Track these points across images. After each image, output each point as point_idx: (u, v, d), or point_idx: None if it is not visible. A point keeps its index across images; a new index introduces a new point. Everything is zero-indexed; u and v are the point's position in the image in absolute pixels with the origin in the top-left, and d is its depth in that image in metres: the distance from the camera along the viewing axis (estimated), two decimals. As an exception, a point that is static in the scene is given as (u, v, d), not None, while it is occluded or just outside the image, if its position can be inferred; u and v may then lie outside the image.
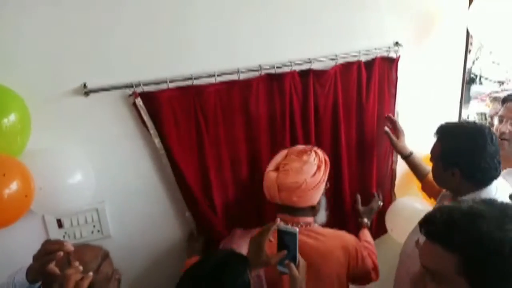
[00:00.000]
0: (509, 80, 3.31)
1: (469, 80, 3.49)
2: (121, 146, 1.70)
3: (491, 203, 0.93)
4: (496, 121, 2.03)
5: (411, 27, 2.00)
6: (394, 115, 2.06)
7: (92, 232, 1.73)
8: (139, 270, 1.81)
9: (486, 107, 3.09)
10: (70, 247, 1.08)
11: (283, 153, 1.72)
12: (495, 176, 1.51)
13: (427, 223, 0.93)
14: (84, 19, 1.50)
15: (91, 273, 1.04)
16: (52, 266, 1.07)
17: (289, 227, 1.38)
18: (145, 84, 1.60)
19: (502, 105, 2.01)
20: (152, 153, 1.73)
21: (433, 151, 1.63)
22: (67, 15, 1.48)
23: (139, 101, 1.60)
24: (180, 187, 1.77)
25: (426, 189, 1.95)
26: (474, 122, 1.68)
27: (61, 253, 1.08)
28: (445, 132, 1.59)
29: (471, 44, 2.60)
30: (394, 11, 1.94)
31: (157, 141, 1.68)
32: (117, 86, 1.58)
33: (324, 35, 1.85)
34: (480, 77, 4.07)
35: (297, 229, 1.35)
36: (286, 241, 1.35)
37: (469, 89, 3.80)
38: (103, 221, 1.74)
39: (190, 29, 1.64)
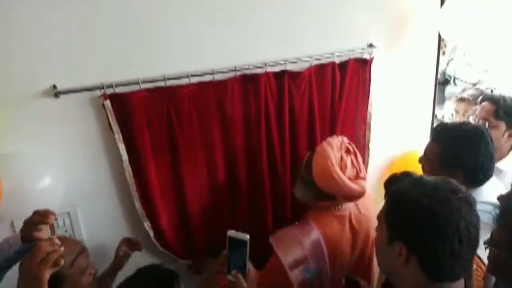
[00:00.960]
0: (482, 81, 3.39)
1: (443, 81, 3.55)
2: (93, 149, 1.67)
3: (446, 182, 1.06)
4: (471, 120, 2.06)
5: (384, 29, 2.02)
6: (367, 116, 2.08)
7: (64, 236, 1.70)
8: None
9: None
10: (52, 220, 1.11)
11: (329, 158, 1.58)
12: (491, 175, 1.56)
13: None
14: (54, 19, 1.46)
15: (62, 248, 1.06)
16: (37, 234, 1.10)
17: (239, 234, 1.27)
18: (117, 85, 1.57)
19: (480, 103, 2.05)
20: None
21: (429, 153, 1.62)
22: (37, 15, 1.44)
23: (107, 103, 1.57)
24: (142, 195, 1.73)
25: None
26: (470, 123, 1.69)
27: (42, 226, 1.10)
28: (446, 134, 1.59)
29: (445, 45, 2.64)
30: (368, 12, 1.96)
31: (120, 146, 1.64)
32: (88, 87, 1.55)
33: (299, 36, 1.85)
34: (455, 78, 4.16)
35: (248, 236, 1.26)
36: (237, 248, 1.26)
37: (443, 90, 3.86)
38: (75, 225, 1.70)
39: (163, 29, 1.62)
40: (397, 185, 1.09)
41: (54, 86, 1.52)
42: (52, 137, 1.59)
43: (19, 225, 1.57)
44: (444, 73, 3.94)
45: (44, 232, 1.11)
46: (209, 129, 1.77)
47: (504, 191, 1.52)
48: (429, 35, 2.18)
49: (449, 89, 4.08)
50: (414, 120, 2.29)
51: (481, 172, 1.53)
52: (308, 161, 1.66)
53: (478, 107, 2.05)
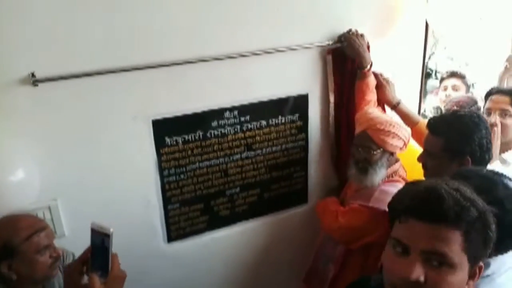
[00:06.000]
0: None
1: (425, 75, 3.56)
2: (74, 138, 1.60)
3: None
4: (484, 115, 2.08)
5: (372, 19, 2.01)
6: None
7: (44, 232, 1.62)
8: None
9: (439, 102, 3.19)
10: None
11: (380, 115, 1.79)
12: (492, 154, 1.60)
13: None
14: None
15: None
16: None
17: (103, 226, 1.11)
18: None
19: (486, 99, 2.10)
20: (113, 140, 1.67)
21: (432, 148, 1.60)
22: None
23: (329, 57, 1.92)
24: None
25: (417, 137, 1.93)
26: (460, 110, 1.73)
27: None
28: (445, 125, 1.58)
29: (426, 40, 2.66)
30: (357, 2, 1.94)
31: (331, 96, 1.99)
32: (71, 75, 1.49)
33: (283, 24, 1.82)
34: (436, 71, 4.22)
35: (112, 230, 1.11)
36: (100, 242, 1.10)
37: (425, 84, 3.89)
38: (56, 219, 1.63)
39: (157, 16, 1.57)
40: None
41: (33, 74, 1.44)
42: (30, 127, 1.52)
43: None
44: (426, 67, 3.98)
45: None
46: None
47: None
48: (416, 26, 2.18)
49: (431, 83, 4.13)
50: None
51: (487, 152, 1.54)
52: (370, 144, 1.73)
53: (486, 102, 2.09)
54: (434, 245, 0.85)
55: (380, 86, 2.00)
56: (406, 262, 0.86)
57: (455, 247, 0.85)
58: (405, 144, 1.78)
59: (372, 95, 1.96)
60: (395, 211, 0.94)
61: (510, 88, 2.08)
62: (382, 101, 2.03)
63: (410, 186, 0.98)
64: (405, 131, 1.77)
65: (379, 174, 1.75)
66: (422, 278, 0.84)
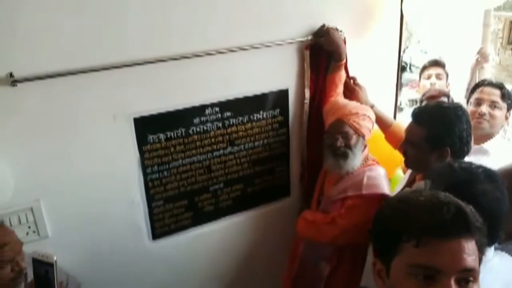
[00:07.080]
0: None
1: (400, 68, 3.64)
2: (56, 139, 1.59)
3: None
4: (471, 105, 2.17)
5: (348, 14, 2.04)
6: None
7: (27, 234, 1.60)
8: (80, 271, 1.71)
9: (416, 94, 3.25)
10: None
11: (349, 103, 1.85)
12: (471, 146, 1.63)
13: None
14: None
15: None
16: None
17: (45, 255, 1.12)
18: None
19: (474, 90, 2.18)
20: (94, 140, 1.66)
21: (414, 137, 1.63)
22: None
23: (307, 53, 1.94)
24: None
25: (391, 138, 2.00)
26: (445, 102, 1.77)
27: None
28: (429, 115, 1.62)
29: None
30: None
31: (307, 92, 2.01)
32: (51, 74, 1.48)
33: (262, 20, 1.84)
34: (410, 65, 4.31)
35: (55, 258, 1.11)
36: (44, 273, 1.09)
37: (400, 77, 3.97)
38: (39, 220, 1.61)
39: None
40: None
41: (11, 74, 1.43)
42: (8, 128, 1.51)
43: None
44: (401, 60, 4.07)
45: None
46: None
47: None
48: (391, 20, 2.22)
49: (406, 76, 4.23)
50: (377, 105, 2.32)
51: (466, 145, 1.59)
52: (346, 129, 1.77)
53: (475, 93, 2.17)
54: (468, 261, 0.78)
55: (353, 91, 2.04)
56: None
57: (476, 258, 0.80)
58: (373, 126, 1.84)
59: (341, 88, 2.02)
60: (405, 235, 0.81)
61: (500, 82, 2.17)
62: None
63: (406, 205, 0.86)
64: (372, 112, 1.85)
65: (358, 158, 1.80)
66: None
